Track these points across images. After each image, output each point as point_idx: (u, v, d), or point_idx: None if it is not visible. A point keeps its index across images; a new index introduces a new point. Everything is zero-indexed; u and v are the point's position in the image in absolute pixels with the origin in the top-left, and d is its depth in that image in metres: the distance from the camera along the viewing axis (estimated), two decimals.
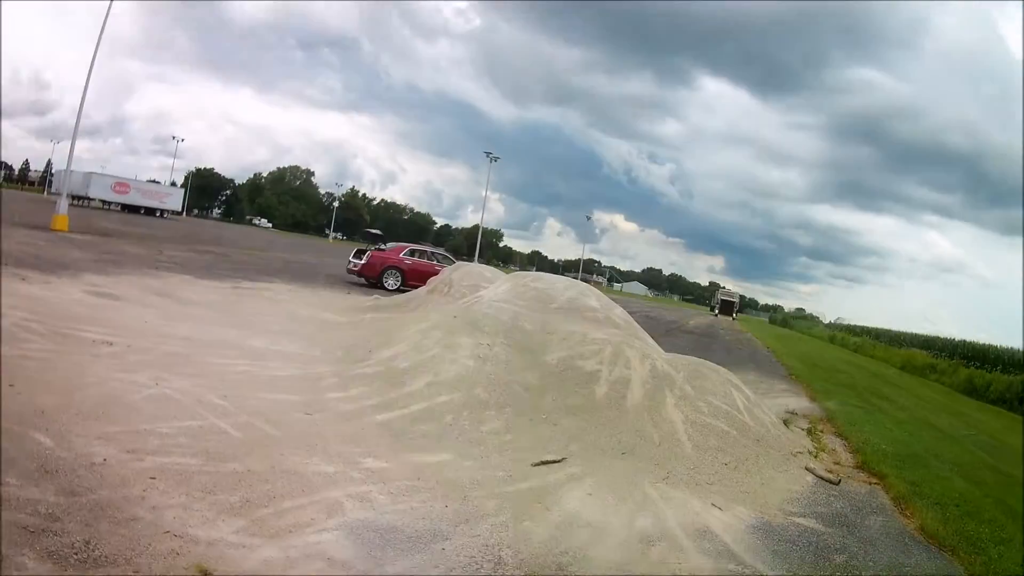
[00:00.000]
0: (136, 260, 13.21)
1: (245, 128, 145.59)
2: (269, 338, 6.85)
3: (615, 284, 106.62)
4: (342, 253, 35.54)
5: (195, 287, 10.34)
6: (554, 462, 4.13)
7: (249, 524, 2.99)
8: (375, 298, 11.82)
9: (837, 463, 5.75)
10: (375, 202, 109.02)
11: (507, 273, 10.92)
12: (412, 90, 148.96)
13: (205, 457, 3.53)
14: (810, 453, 5.66)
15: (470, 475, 3.85)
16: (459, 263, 13.95)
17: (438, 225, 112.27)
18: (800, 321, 63.33)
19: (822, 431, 7.01)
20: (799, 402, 9.40)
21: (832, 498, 4.74)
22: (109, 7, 20.57)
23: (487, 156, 45.68)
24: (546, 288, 6.21)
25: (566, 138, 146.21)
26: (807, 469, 5.16)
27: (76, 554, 2.57)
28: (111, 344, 5.49)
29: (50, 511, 2.79)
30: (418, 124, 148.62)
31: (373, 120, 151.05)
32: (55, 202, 23.48)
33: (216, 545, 2.80)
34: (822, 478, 5.05)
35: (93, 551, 2.60)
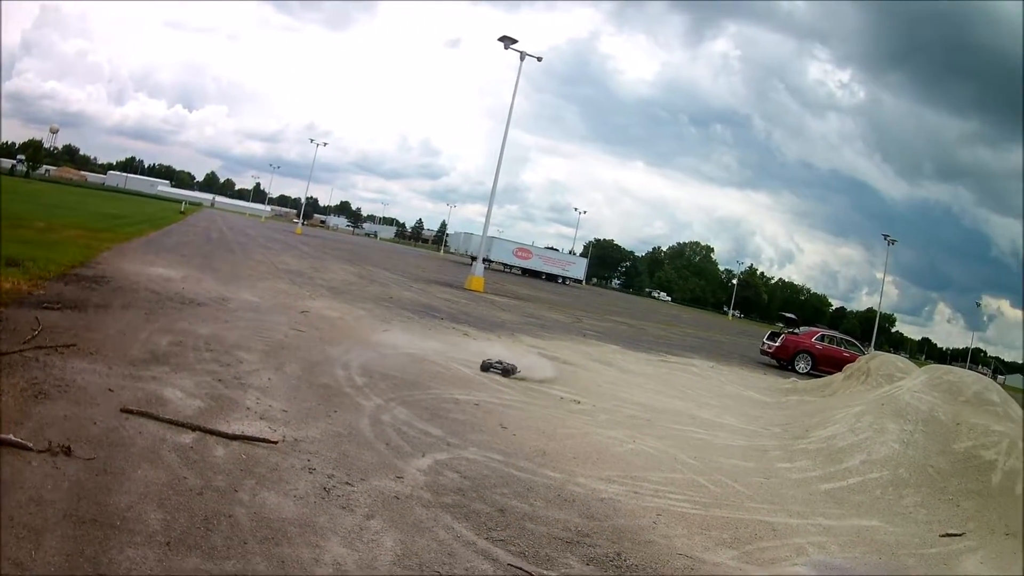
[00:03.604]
0: (561, 327, 15.41)
1: (641, 201, 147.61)
2: (712, 411, 8.13)
3: (999, 376, 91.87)
4: (744, 332, 36.80)
5: (627, 357, 12.01)
6: (956, 535, 4.68)
7: (741, 555, 3.69)
8: (792, 381, 13.20)
9: None
10: (772, 281, 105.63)
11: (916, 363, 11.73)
12: (807, 167, 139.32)
13: (693, 503, 4.38)
14: None
15: (895, 538, 4.51)
16: (875, 353, 15.14)
17: (833, 308, 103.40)
18: None
19: None
20: None
21: None
22: (515, 91, 23.95)
23: (884, 239, 43.29)
24: (956, 381, 7.00)
25: (954, 217, 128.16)
26: None
27: (611, 561, 3.30)
28: (579, 403, 6.81)
29: (579, 528, 3.55)
30: (815, 203, 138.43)
31: (770, 198, 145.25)
32: (469, 264, 26.54)
33: (720, 567, 3.45)
34: None
35: (625, 560, 3.33)
